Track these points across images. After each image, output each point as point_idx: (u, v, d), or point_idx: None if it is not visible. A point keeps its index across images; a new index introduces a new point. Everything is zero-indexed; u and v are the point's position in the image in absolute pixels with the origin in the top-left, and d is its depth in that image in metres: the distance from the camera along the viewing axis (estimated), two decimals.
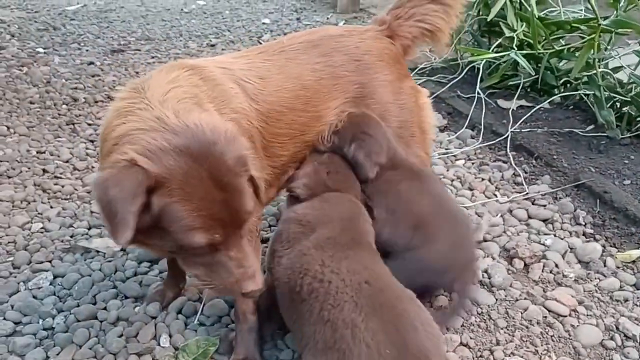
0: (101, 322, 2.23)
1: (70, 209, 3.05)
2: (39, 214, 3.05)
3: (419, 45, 2.52)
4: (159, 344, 2.09)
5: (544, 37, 3.91)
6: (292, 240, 1.96)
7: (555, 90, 4.05)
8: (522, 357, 1.96)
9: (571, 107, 4.00)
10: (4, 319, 2.25)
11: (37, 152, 3.73)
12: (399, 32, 2.40)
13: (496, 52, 3.86)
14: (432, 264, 2.01)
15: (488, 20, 4.20)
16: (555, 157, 3.33)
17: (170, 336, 2.13)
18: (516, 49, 3.79)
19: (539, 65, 4.02)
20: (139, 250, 2.64)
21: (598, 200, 2.88)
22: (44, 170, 3.48)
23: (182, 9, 10.54)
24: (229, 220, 1.53)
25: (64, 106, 4.65)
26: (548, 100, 3.85)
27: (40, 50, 6.39)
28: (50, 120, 4.33)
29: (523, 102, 4.14)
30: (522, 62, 3.66)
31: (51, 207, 3.10)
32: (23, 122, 4.29)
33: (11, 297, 2.38)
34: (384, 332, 1.57)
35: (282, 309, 1.92)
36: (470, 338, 2.07)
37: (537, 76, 4.08)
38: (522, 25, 4.02)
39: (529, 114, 3.80)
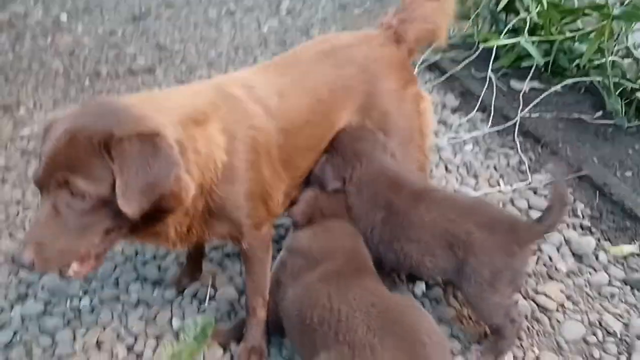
0: (123, 304, 2.43)
1: None
2: None
3: (421, 46, 2.60)
4: (172, 327, 2.29)
5: (558, 20, 3.91)
6: (296, 274, 2.06)
7: (568, 73, 4.07)
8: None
9: (583, 90, 4.02)
10: (35, 299, 2.47)
11: None
12: (406, 36, 2.47)
13: (508, 37, 3.88)
14: None
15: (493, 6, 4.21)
16: (560, 145, 3.39)
17: (184, 319, 2.33)
18: (527, 34, 3.80)
19: (553, 47, 4.03)
20: None
21: (597, 192, 2.97)
22: None
23: None
24: (49, 163, 1.60)
25: (87, 81, 4.81)
26: (560, 85, 3.87)
27: (64, 18, 6.50)
28: (74, 96, 4.49)
29: (536, 84, 4.15)
30: (531, 49, 3.68)
31: None
32: (49, 97, 4.48)
33: (40, 278, 2.59)
34: (399, 349, 1.73)
35: (289, 335, 2.07)
36: (460, 330, 2.23)
37: (550, 58, 4.10)
38: (536, 8, 4.02)
39: (539, 98, 3.83)
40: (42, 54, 5.32)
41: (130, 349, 2.22)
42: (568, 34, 3.78)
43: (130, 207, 1.57)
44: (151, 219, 1.71)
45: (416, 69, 4.81)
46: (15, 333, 2.31)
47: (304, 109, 2.18)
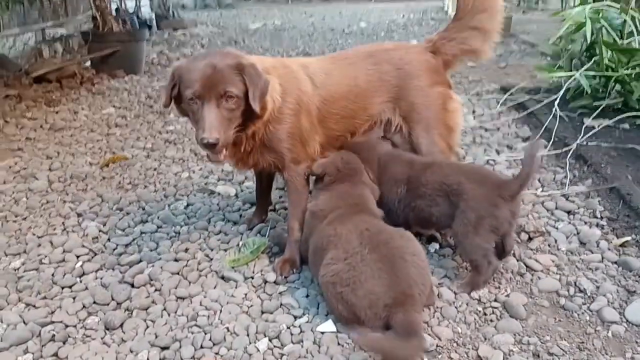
0: (209, 232, 3.28)
1: (209, 167, 4.23)
2: (188, 168, 4.28)
3: (461, 60, 3.24)
4: (238, 246, 3.08)
5: (626, 62, 4.31)
6: (314, 228, 2.68)
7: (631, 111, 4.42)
8: (485, 288, 2.61)
9: None
10: (152, 223, 3.41)
11: None
12: (442, 49, 3.13)
13: (567, 72, 4.35)
14: None
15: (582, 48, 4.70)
16: (603, 165, 3.76)
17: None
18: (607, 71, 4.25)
19: (624, 87, 4.42)
20: (245, 197, 3.69)
21: (621, 201, 3.31)
22: None
23: (343, 30, 11.79)
24: (207, 82, 2.44)
25: None
26: (615, 119, 4.22)
27: None
28: None
29: (607, 122, 4.53)
30: (584, 82, 4.13)
31: (197, 165, 4.31)
32: None
33: (158, 212, 3.55)
34: (381, 261, 2.32)
35: (310, 263, 2.71)
36: (455, 275, 2.75)
37: (622, 99, 4.47)
38: (607, 52, 4.45)
39: (596, 129, 4.24)
40: None
41: (206, 255, 3.03)
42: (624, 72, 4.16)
43: (256, 104, 2.51)
44: (248, 121, 2.61)
45: (498, 106, 5.38)
46: (134, 239, 3.24)
47: (341, 87, 2.94)
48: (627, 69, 4.29)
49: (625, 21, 4.43)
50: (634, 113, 4.29)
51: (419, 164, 2.91)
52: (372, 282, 2.27)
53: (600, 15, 4.51)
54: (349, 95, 2.96)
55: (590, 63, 4.52)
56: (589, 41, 4.46)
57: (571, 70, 4.81)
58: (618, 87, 4.53)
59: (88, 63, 7.72)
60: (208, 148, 2.51)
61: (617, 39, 4.52)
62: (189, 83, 2.50)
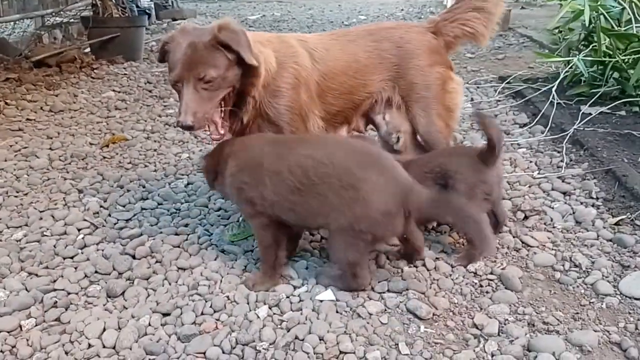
0: (209, 209, 3.32)
1: (209, 149, 4.25)
2: (188, 149, 4.31)
3: (461, 42, 3.25)
4: (237, 222, 3.11)
5: (623, 49, 4.34)
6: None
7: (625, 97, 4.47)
8: (481, 261, 2.65)
9: None
10: (153, 200, 3.44)
11: None
12: (443, 30, 3.14)
13: (563, 57, 4.39)
14: None
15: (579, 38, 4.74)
16: (599, 149, 3.80)
17: None
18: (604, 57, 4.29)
19: (622, 75, 4.46)
20: None
21: (617, 182, 3.35)
22: None
23: (343, 22, 11.80)
24: (186, 65, 2.42)
25: None
26: (611, 106, 4.27)
27: None
28: None
29: (603, 109, 4.57)
30: (582, 67, 4.16)
31: (197, 146, 4.34)
32: None
33: (159, 189, 3.58)
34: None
35: None
36: (452, 250, 2.79)
37: (619, 86, 4.51)
38: (605, 39, 4.49)
39: (594, 115, 4.27)
40: None
41: (206, 230, 3.07)
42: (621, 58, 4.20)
43: (249, 58, 2.47)
44: (241, 94, 2.62)
45: (496, 95, 5.42)
46: (134, 215, 3.27)
47: (341, 62, 2.94)
48: (625, 55, 4.33)
49: (623, 9, 4.47)
50: (631, 99, 4.32)
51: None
52: None
53: (599, 3, 4.55)
54: (348, 71, 2.98)
55: (588, 50, 4.56)
56: (587, 24, 4.49)
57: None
58: (615, 75, 4.56)
59: (88, 49, 7.72)
60: (185, 129, 2.55)
61: (615, 26, 4.56)
62: (172, 65, 2.51)
